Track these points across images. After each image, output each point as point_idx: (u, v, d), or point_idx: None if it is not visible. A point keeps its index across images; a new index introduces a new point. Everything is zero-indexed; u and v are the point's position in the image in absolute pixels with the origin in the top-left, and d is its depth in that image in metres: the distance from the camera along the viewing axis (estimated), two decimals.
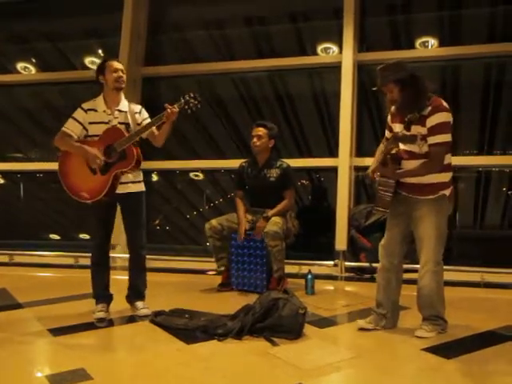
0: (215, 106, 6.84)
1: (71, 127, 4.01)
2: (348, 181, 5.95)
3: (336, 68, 6.19)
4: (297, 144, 6.55)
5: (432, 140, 3.43)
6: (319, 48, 6.55)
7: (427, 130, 3.43)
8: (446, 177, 3.56)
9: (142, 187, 4.18)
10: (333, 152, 6.22)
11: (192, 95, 4.03)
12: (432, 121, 3.41)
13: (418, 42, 6.23)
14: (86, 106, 4.07)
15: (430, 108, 3.43)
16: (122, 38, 6.78)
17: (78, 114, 4.05)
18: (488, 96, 6.04)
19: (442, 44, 6.18)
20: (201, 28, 7.05)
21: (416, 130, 3.48)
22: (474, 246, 5.93)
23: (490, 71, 6.20)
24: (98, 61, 7.12)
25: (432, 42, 6.23)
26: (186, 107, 4.00)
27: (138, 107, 4.20)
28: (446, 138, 3.43)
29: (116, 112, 4.06)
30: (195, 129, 6.75)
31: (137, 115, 4.12)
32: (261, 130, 5.16)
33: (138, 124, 4.09)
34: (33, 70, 7.54)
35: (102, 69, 4.07)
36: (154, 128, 4.04)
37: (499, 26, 6.14)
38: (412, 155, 3.54)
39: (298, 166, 5.87)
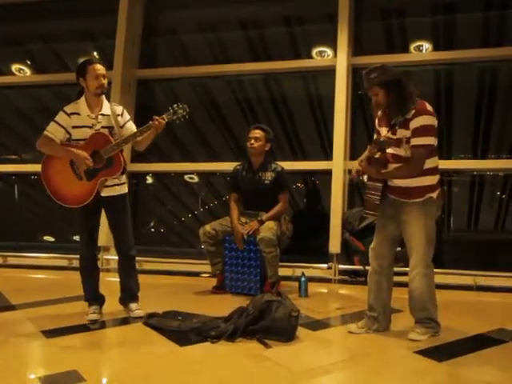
0: (210, 109, 6.85)
1: (53, 131, 3.96)
2: (342, 184, 5.96)
3: (330, 71, 6.21)
4: (291, 147, 6.56)
5: (414, 142, 3.44)
6: (314, 51, 6.57)
7: (410, 132, 3.45)
8: (432, 180, 3.58)
9: (125, 189, 4.16)
10: (327, 155, 6.23)
11: (180, 105, 4.04)
12: (415, 123, 3.43)
13: (412, 46, 6.25)
14: (68, 109, 4.01)
15: (414, 111, 3.45)
16: (117, 40, 6.78)
17: (61, 117, 3.98)
18: (482, 100, 6.07)
19: (436, 48, 6.21)
20: (196, 31, 7.06)
21: (401, 133, 3.50)
22: (467, 250, 5.95)
23: (483, 75, 6.23)
24: None
25: (426, 46, 6.25)
26: (175, 118, 4.03)
27: (119, 109, 4.14)
28: (429, 140, 3.44)
29: (99, 116, 4.01)
30: (190, 131, 6.75)
31: (119, 117, 4.08)
32: (258, 133, 5.17)
33: (121, 126, 4.06)
34: (27, 71, 7.54)
35: (82, 72, 3.98)
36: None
37: (493, 30, 6.18)
38: (398, 158, 3.56)
39: (292, 169, 5.88)
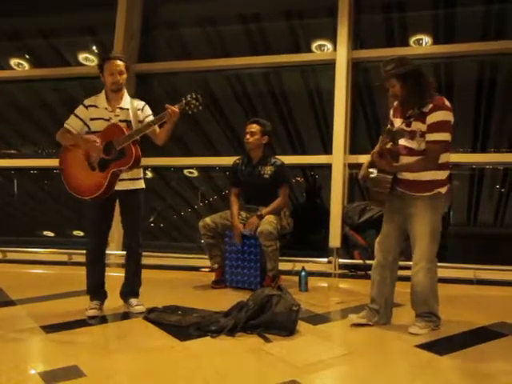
0: (209, 104, 6.83)
1: (72, 123, 4.02)
2: (342, 178, 5.96)
3: (330, 65, 6.19)
4: (291, 141, 6.55)
5: (430, 137, 3.43)
6: (314, 45, 6.55)
7: (427, 126, 3.44)
8: (442, 175, 3.56)
9: (141, 184, 4.17)
10: (327, 149, 6.22)
11: (194, 96, 3.98)
12: (432, 118, 3.41)
13: (412, 40, 6.24)
14: (87, 102, 4.07)
15: (431, 105, 3.43)
16: (116, 34, 6.77)
17: (80, 110, 4.05)
18: (481, 93, 6.06)
19: (436, 42, 6.19)
20: (195, 25, 7.04)
21: (416, 126, 3.49)
22: (467, 244, 5.95)
23: (483, 69, 6.22)
24: (91, 57, 7.12)
25: (426, 39, 6.23)
26: (187, 108, 3.97)
27: (141, 104, 4.16)
28: (444, 136, 3.43)
29: (117, 110, 4.03)
30: (189, 126, 6.74)
31: (139, 112, 4.10)
32: (254, 127, 5.15)
33: (140, 121, 4.07)
34: (26, 66, 7.52)
35: (101, 68, 4.05)
36: (156, 126, 4.04)
37: (493, 23, 6.17)
38: (410, 151, 3.54)
39: (292, 164, 5.86)
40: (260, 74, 6.85)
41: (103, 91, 4.10)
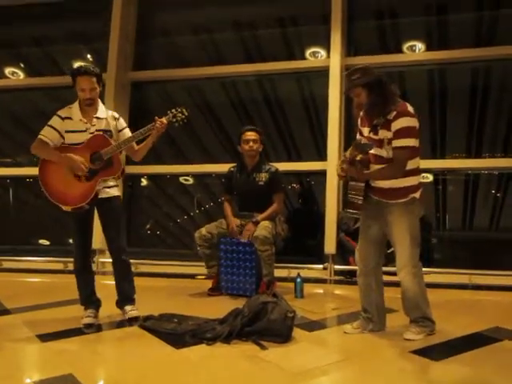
0: (204, 111, 6.85)
1: (48, 135, 3.95)
2: (337, 184, 5.97)
3: (324, 72, 6.22)
4: (286, 148, 6.57)
5: (395, 144, 3.45)
6: (307, 52, 6.58)
7: (392, 134, 3.46)
8: (414, 180, 3.59)
9: (118, 191, 4.17)
10: (321, 155, 6.23)
11: (179, 109, 4.11)
12: (396, 125, 3.43)
13: (405, 46, 6.27)
14: (62, 113, 4.01)
15: (395, 112, 3.45)
16: (111, 42, 6.78)
17: (55, 121, 3.98)
18: (475, 99, 6.09)
19: (429, 48, 6.22)
20: (190, 33, 7.06)
21: (383, 134, 3.51)
22: (462, 249, 5.96)
23: (476, 75, 6.25)
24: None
25: (419, 46, 6.26)
26: (174, 120, 4.09)
27: (116, 114, 4.18)
28: (410, 142, 3.45)
29: (94, 119, 4.00)
30: (185, 133, 6.75)
31: (116, 121, 4.11)
32: (255, 135, 5.22)
33: (119, 131, 4.09)
34: (21, 74, 7.53)
35: (73, 81, 3.98)
36: (133, 142, 4.07)
37: (485, 30, 6.20)
38: (379, 159, 3.56)
39: (286, 170, 5.89)
40: (254, 81, 6.87)
41: (77, 102, 4.03)
